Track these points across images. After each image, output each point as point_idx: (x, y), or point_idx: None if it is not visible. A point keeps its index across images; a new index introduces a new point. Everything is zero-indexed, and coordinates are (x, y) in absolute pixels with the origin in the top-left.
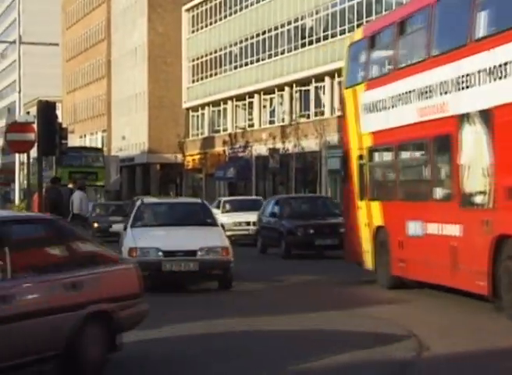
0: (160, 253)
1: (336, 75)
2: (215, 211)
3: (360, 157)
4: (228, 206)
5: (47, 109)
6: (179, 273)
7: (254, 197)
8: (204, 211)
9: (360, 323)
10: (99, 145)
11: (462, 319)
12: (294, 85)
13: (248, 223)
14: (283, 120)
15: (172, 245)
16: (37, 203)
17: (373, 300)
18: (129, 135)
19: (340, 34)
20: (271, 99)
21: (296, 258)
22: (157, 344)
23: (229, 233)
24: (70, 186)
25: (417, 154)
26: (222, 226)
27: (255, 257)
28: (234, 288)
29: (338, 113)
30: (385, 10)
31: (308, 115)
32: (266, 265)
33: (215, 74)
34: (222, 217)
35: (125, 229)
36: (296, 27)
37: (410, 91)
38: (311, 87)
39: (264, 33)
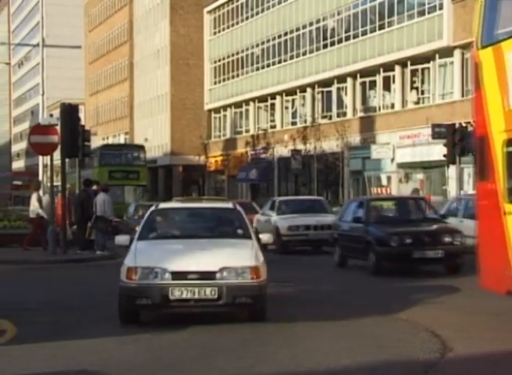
0: (167, 275)
1: (358, 76)
2: (269, 213)
3: (509, 142)
4: (284, 207)
5: (70, 112)
6: (192, 301)
7: (313, 197)
8: (235, 219)
9: (390, 325)
10: None
11: (484, 320)
12: (316, 86)
13: (308, 227)
14: (305, 121)
15: (184, 264)
16: (60, 205)
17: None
18: (151, 137)
19: (362, 35)
20: (293, 100)
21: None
22: None
23: (285, 238)
24: (94, 188)
25: None
26: (278, 230)
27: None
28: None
29: (360, 114)
30: (407, 10)
31: (330, 116)
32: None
33: (237, 76)
34: (277, 220)
35: (132, 242)
36: (317, 28)
37: None
38: (333, 88)
39: (285, 34)
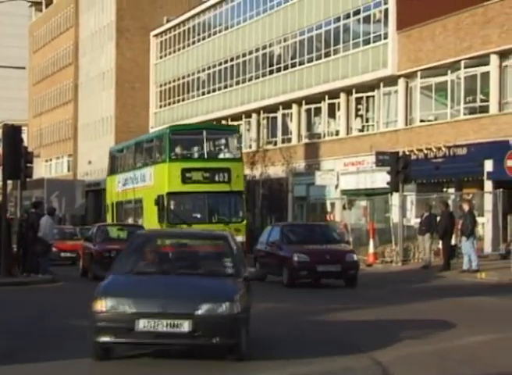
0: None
1: (304, 102)
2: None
3: None
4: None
5: (12, 133)
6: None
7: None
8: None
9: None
10: (64, 171)
11: (429, 349)
12: (262, 112)
13: None
14: (250, 147)
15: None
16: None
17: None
18: (95, 160)
19: (308, 62)
20: (238, 126)
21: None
22: None
23: None
24: (33, 210)
25: None
26: None
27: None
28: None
29: (305, 140)
30: (353, 39)
31: (276, 142)
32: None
33: (183, 100)
34: None
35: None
36: (264, 54)
37: None
38: (279, 114)
39: (232, 59)
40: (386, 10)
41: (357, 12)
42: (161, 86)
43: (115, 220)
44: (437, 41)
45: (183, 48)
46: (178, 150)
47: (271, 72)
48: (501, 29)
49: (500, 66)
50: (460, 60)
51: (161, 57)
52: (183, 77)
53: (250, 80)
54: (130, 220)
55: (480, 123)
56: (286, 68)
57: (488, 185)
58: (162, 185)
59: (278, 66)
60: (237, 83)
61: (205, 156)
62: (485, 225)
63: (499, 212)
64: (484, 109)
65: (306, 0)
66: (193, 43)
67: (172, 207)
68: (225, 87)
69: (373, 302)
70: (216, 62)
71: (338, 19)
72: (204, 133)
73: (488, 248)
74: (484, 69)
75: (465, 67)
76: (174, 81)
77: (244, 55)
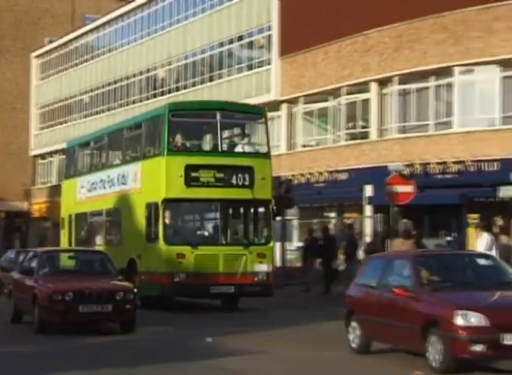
0: None
1: None
2: None
3: None
4: None
5: None
6: None
7: None
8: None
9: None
10: None
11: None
12: None
13: None
14: None
15: None
16: None
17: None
18: None
19: (192, 86)
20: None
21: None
22: None
23: None
24: None
25: None
26: None
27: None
28: None
29: None
30: (237, 64)
31: None
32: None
33: (65, 122)
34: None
35: None
36: (147, 78)
37: None
38: None
39: (115, 82)
40: (270, 36)
41: (240, 38)
42: (42, 107)
43: (74, 241)
44: (319, 67)
45: (66, 69)
46: (180, 139)
47: (155, 95)
48: (380, 57)
49: (380, 93)
50: (341, 87)
51: (42, 78)
52: (66, 99)
53: (133, 103)
54: (99, 240)
55: (360, 149)
56: (170, 91)
57: (368, 210)
58: (156, 189)
59: (162, 89)
60: (120, 105)
61: (219, 149)
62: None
63: (378, 236)
64: (364, 135)
65: (190, 24)
66: (76, 65)
67: (169, 220)
68: (109, 109)
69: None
70: (99, 85)
71: (222, 44)
72: (218, 115)
73: None
74: (364, 96)
75: (346, 94)
76: (56, 103)
77: (128, 78)
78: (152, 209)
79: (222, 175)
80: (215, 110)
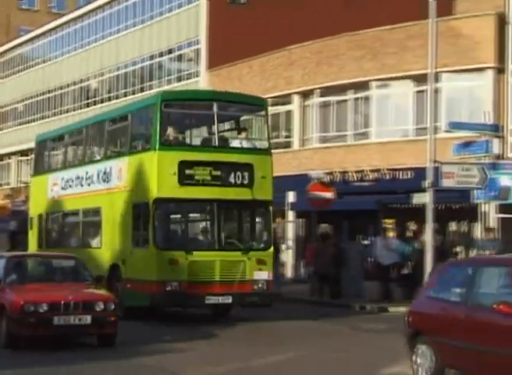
0: None
1: None
2: None
3: None
4: None
5: None
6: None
7: None
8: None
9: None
10: None
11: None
12: None
13: None
14: None
15: None
16: None
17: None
18: None
19: (124, 96)
20: (265, 99)
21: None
22: None
23: None
24: None
25: None
26: None
27: None
28: None
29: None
30: (167, 76)
31: None
32: None
33: (0, 129)
34: None
35: None
36: (81, 88)
37: None
38: None
39: (49, 91)
40: (198, 50)
41: (170, 51)
42: None
43: (44, 243)
44: (244, 80)
45: (1, 78)
46: (173, 132)
47: (87, 105)
48: (303, 71)
49: (302, 105)
50: (266, 99)
51: None
52: (1, 107)
53: (67, 111)
54: (74, 242)
55: (284, 158)
56: (102, 101)
57: (290, 215)
58: (145, 187)
59: (94, 99)
60: (54, 114)
61: (215, 143)
62: (287, 252)
63: (299, 240)
64: (287, 145)
65: (123, 37)
66: (11, 74)
67: (161, 223)
68: (42, 118)
69: None
70: (34, 94)
71: (152, 57)
72: (215, 106)
73: (289, 273)
74: (287, 107)
75: (270, 105)
76: None
77: (62, 88)
78: (141, 210)
79: (218, 173)
80: (211, 101)
